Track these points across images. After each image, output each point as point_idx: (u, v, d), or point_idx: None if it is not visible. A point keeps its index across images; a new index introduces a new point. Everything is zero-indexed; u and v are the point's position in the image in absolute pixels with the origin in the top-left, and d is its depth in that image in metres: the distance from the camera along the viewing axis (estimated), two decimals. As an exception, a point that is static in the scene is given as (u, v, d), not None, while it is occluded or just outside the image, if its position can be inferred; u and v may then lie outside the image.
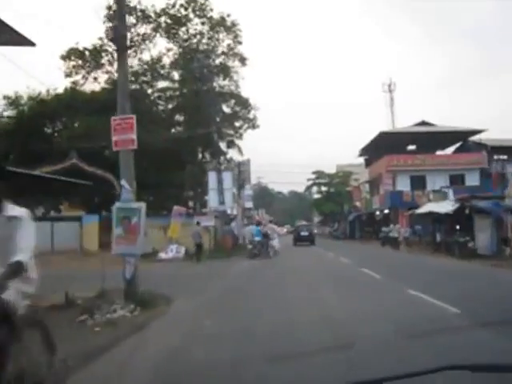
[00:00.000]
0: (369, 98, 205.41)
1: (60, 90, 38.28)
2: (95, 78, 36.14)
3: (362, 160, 67.42)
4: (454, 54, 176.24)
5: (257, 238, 32.87)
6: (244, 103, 38.74)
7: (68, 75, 35.21)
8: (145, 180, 36.52)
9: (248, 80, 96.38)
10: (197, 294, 15.19)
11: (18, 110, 43.44)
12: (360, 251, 37.39)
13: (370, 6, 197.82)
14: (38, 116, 37.77)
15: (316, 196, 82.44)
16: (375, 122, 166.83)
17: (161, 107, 39.31)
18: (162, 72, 36.20)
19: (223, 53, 38.27)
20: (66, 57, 34.90)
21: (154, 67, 35.60)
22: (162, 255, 30.23)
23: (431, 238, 35.91)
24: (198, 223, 32.53)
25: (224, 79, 38.58)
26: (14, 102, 44.33)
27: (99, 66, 35.66)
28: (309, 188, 76.49)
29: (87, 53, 35.27)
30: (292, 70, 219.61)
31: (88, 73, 36.34)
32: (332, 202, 70.13)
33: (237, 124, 40.34)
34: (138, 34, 36.50)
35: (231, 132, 42.11)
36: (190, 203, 41.52)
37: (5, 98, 44.49)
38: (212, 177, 33.29)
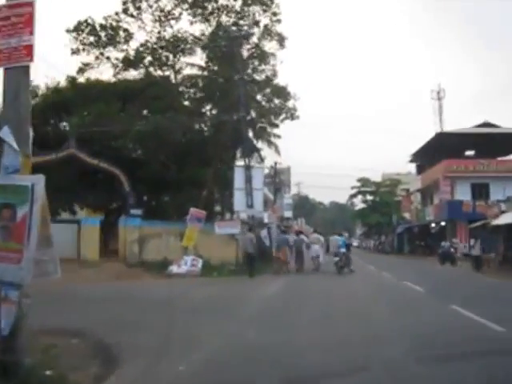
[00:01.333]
0: (413, 107, 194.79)
1: (82, 80, 32.31)
2: (108, 58, 29.97)
3: (410, 168, 62.38)
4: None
5: (342, 250, 27.95)
6: (281, 91, 31.93)
7: (75, 52, 29.14)
8: (163, 176, 30.55)
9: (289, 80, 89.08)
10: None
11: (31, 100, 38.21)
12: (422, 272, 29.56)
13: (418, 13, 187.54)
14: (52, 106, 31.66)
15: (360, 206, 75.26)
16: (422, 131, 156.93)
17: (186, 96, 32.84)
18: (183, 46, 29.76)
19: (259, 38, 31.66)
20: (74, 30, 28.87)
21: (175, 43, 29.27)
22: (174, 268, 23.89)
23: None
24: (250, 229, 27.27)
25: (259, 64, 31.87)
26: (31, 92, 39.00)
27: (114, 43, 29.51)
28: (353, 196, 69.35)
29: (99, 28, 29.15)
30: (335, 76, 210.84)
31: (102, 54, 30.19)
32: (378, 213, 62.82)
33: (273, 117, 33.50)
34: (162, 10, 30.33)
35: (265, 126, 35.46)
36: (218, 208, 34.97)
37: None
38: (239, 174, 26.66)
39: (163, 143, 28.78)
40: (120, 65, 30.07)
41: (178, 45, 29.60)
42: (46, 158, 24.53)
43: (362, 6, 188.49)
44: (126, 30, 30.20)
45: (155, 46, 29.67)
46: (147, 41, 29.70)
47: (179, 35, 29.75)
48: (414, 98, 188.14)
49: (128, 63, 29.69)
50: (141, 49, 29.84)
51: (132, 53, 29.72)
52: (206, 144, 31.33)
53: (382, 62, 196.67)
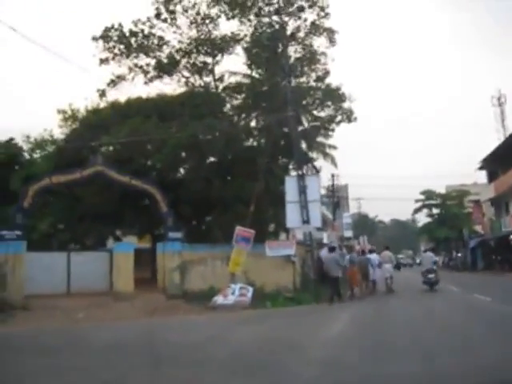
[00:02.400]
0: (472, 117, 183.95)
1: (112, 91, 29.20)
2: (141, 67, 26.51)
3: (477, 178, 59.47)
4: None
5: (434, 267, 25.87)
6: (334, 94, 27.58)
7: (104, 62, 25.79)
8: (205, 193, 26.74)
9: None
10: None
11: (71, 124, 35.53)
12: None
13: (479, 16, 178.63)
14: (91, 128, 28.60)
15: (424, 221, 69.54)
16: (483, 139, 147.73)
17: (229, 105, 28.99)
18: (221, 45, 26.00)
19: (306, 33, 27.57)
20: (101, 38, 25.60)
21: (212, 41, 25.59)
22: (219, 299, 19.93)
23: None
24: (332, 249, 23.70)
25: (308, 64, 27.74)
26: (70, 116, 36.38)
27: (146, 51, 26.07)
28: (417, 210, 63.67)
29: (129, 34, 25.78)
30: (389, 78, 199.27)
31: (136, 65, 26.77)
32: (446, 227, 57.09)
33: (326, 124, 29.13)
34: (198, 13, 26.75)
35: (319, 134, 31.27)
36: (271, 227, 30.71)
37: (59, 112, 36.82)
38: (291, 184, 22.31)
39: (204, 155, 25.00)
40: (152, 72, 26.46)
41: (215, 43, 25.82)
42: (69, 176, 21.06)
43: (419, 8, 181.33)
44: (160, 38, 26.71)
45: (190, 47, 25.99)
46: (180, 41, 26.09)
47: (217, 34, 26.04)
48: (472, 106, 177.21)
49: (161, 69, 26.11)
50: (174, 52, 26.22)
51: (165, 58, 26.13)
52: (253, 155, 27.34)
53: (438, 67, 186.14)
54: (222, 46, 26.06)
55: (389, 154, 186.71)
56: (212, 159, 29.22)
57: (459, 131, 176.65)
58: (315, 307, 20.54)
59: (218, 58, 26.89)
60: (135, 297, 21.39)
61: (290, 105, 23.87)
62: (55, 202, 34.71)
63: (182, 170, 30.88)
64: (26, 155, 37.36)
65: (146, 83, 26.63)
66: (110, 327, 15.91)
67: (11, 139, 36.96)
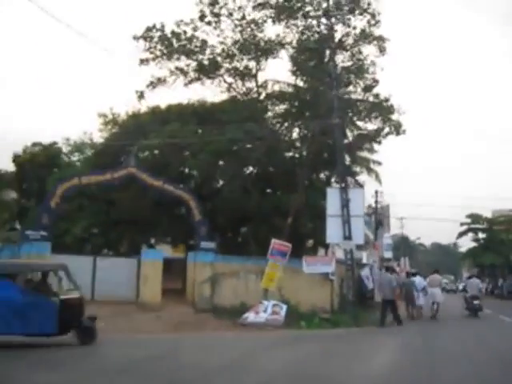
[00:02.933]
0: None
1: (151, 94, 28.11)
2: (181, 70, 25.26)
3: None
4: None
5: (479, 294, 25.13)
6: (382, 106, 25.71)
7: (143, 62, 24.60)
8: (242, 204, 25.29)
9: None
10: None
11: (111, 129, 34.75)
12: None
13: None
14: (130, 133, 27.62)
15: (466, 246, 66.43)
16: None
17: (272, 114, 27.50)
18: (265, 47, 24.52)
19: (355, 40, 25.89)
20: (143, 37, 24.47)
21: (256, 45, 24.16)
22: (250, 316, 18.35)
23: None
24: (387, 269, 23.04)
25: (357, 75, 26.00)
26: (111, 120, 35.65)
27: (188, 53, 24.83)
28: (463, 234, 60.66)
29: (171, 35, 24.60)
30: (440, 97, 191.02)
31: (177, 68, 25.58)
32: (492, 252, 54.12)
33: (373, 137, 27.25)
34: (243, 18, 25.43)
35: (363, 147, 29.55)
36: (309, 242, 28.92)
37: (100, 116, 36.12)
38: (333, 197, 20.49)
39: (243, 163, 23.56)
40: (192, 74, 25.15)
41: (259, 46, 24.37)
42: (99, 177, 19.90)
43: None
44: (203, 41, 25.44)
45: (233, 50, 24.59)
46: (223, 43, 24.65)
47: (261, 36, 24.54)
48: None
49: (202, 71, 24.80)
50: (217, 55, 24.88)
51: (206, 61, 24.78)
52: (294, 167, 25.77)
53: (493, 84, 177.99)
54: (267, 49, 24.55)
55: (433, 174, 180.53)
56: (251, 169, 27.84)
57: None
58: (356, 331, 18.72)
59: (262, 62, 25.34)
60: (162, 308, 20.02)
61: (335, 114, 22.16)
62: (90, 206, 33.93)
63: (219, 180, 29.62)
64: (65, 158, 36.78)
65: (185, 85, 25.29)
66: (128, 340, 14.52)
67: (54, 143, 36.56)
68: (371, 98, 26.66)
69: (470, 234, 60.31)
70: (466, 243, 66.04)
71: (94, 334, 13.37)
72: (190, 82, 25.21)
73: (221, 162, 27.59)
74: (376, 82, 26.27)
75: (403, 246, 76.02)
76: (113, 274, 20.24)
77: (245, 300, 20.99)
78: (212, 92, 27.87)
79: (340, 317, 20.93)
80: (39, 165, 34.10)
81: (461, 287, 71.51)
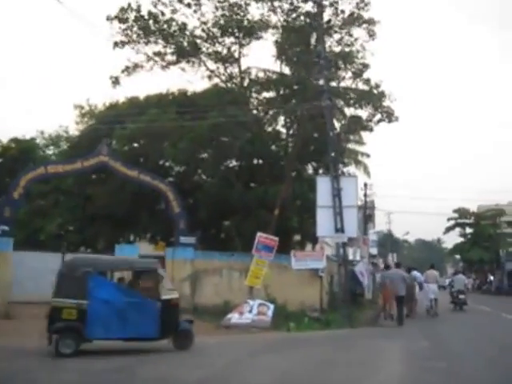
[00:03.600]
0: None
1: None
2: (159, 53, 23.27)
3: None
4: None
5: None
6: (371, 90, 23.96)
7: (117, 45, 22.55)
8: (224, 196, 23.50)
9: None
10: None
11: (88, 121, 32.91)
12: None
13: None
14: (107, 124, 25.67)
15: (453, 241, 65.12)
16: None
17: (255, 102, 25.64)
18: (250, 29, 22.59)
19: (343, 24, 24.09)
20: (117, 18, 22.42)
21: (238, 24, 22.18)
22: (234, 317, 16.42)
23: None
24: (398, 265, 22.25)
25: (345, 60, 24.19)
26: (88, 112, 33.75)
27: (166, 36, 22.83)
28: (450, 229, 59.26)
29: (147, 16, 22.60)
30: (430, 87, 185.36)
31: (155, 53, 23.59)
32: (480, 248, 52.89)
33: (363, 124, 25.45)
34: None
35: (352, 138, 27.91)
36: (296, 237, 27.10)
37: (76, 107, 34.20)
38: (323, 186, 18.53)
39: (225, 152, 21.70)
40: (170, 56, 23.13)
41: (241, 26, 22.42)
42: (67, 166, 17.94)
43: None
44: (183, 25, 23.42)
45: (214, 32, 22.60)
46: (203, 23, 22.61)
47: (244, 17, 22.56)
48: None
49: (180, 53, 22.79)
50: (197, 37, 22.87)
51: (186, 43, 22.76)
52: (279, 157, 23.99)
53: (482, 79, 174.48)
54: (250, 29, 22.61)
55: (419, 165, 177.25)
56: (234, 160, 26.00)
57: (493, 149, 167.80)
58: (351, 333, 16.94)
59: (245, 46, 23.36)
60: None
61: (325, 95, 20.25)
62: (66, 202, 31.94)
63: (200, 174, 27.80)
64: (40, 152, 34.78)
65: (163, 68, 23.23)
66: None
67: (32, 139, 34.62)
68: (361, 85, 24.97)
69: (458, 229, 59.04)
70: (451, 239, 64.87)
71: (192, 339, 12.03)
72: (168, 65, 23.18)
73: (202, 154, 25.82)
74: (366, 66, 24.57)
75: (387, 241, 74.58)
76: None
77: (228, 299, 19.19)
78: (193, 79, 26.09)
79: (331, 316, 19.17)
80: (12, 159, 32.15)
81: (447, 282, 70.46)
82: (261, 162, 25.12)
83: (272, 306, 17.26)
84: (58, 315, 11.02)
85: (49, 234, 29.92)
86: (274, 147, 25.59)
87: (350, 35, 23.47)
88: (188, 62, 23.07)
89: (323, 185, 18.65)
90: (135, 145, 26.98)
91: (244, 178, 24.28)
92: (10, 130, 46.70)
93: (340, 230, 18.25)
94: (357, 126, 22.27)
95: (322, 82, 21.96)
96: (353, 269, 23.56)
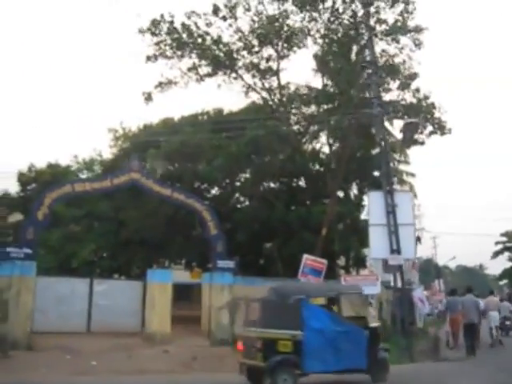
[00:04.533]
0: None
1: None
2: (194, 67, 21.75)
3: None
4: None
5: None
6: (419, 105, 21.92)
7: (150, 59, 21.13)
8: (265, 217, 21.62)
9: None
10: None
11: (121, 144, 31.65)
12: None
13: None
14: (142, 146, 24.33)
15: (495, 269, 61.70)
16: None
17: (295, 118, 23.82)
18: (289, 37, 20.83)
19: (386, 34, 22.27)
20: (149, 30, 21.04)
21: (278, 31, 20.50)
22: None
23: None
24: (469, 290, 18.60)
25: (390, 76, 22.19)
26: (122, 135, 32.54)
27: (200, 49, 21.32)
28: (498, 254, 55.99)
29: (181, 29, 21.18)
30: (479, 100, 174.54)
31: (189, 69, 22.10)
32: (531, 273, 49.70)
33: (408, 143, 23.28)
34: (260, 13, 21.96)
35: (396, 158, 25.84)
36: (341, 260, 24.90)
37: (110, 131, 33.01)
38: (376, 201, 16.34)
39: (264, 170, 19.89)
40: (205, 69, 21.54)
41: (280, 35, 20.71)
42: (95, 184, 16.35)
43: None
44: (218, 38, 21.89)
45: (251, 40, 20.96)
46: (239, 31, 20.95)
47: (283, 24, 20.85)
48: None
49: (216, 65, 21.16)
50: (233, 45, 21.26)
51: (222, 53, 21.18)
52: (321, 175, 22.07)
53: None
54: (289, 37, 20.91)
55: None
56: (273, 184, 24.16)
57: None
58: (418, 368, 14.54)
59: (284, 55, 21.66)
60: (171, 341, 16.19)
61: (375, 105, 18.28)
62: (98, 227, 30.55)
63: (238, 197, 26.06)
64: (73, 176, 33.59)
65: (198, 81, 21.67)
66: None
67: (68, 166, 33.58)
68: (408, 97, 22.98)
69: (506, 254, 55.64)
70: (496, 265, 61.37)
71: (389, 369, 11.13)
72: (203, 77, 21.61)
73: (240, 174, 24.06)
74: (413, 76, 22.63)
75: (433, 267, 71.31)
76: (113, 300, 16.52)
77: (271, 329, 17.19)
78: (229, 96, 24.57)
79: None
80: (45, 184, 30.97)
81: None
82: (301, 181, 23.22)
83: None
84: (272, 348, 9.81)
85: (81, 260, 28.51)
86: (315, 165, 23.64)
87: (397, 41, 21.61)
88: (224, 73, 21.47)
89: (376, 200, 16.54)
90: (170, 167, 25.45)
91: (284, 198, 22.38)
92: (45, 155, 46.65)
93: (396, 250, 16.09)
94: (413, 132, 20.12)
95: (367, 93, 20.25)
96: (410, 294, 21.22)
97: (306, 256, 16.36)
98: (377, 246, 16.36)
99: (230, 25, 22.04)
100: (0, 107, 71.16)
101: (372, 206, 16.74)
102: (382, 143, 17.32)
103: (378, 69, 18.78)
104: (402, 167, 30.95)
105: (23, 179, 33.44)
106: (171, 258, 28.60)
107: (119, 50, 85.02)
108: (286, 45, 21.22)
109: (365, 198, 23.56)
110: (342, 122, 19.92)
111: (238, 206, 26.25)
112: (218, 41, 21.79)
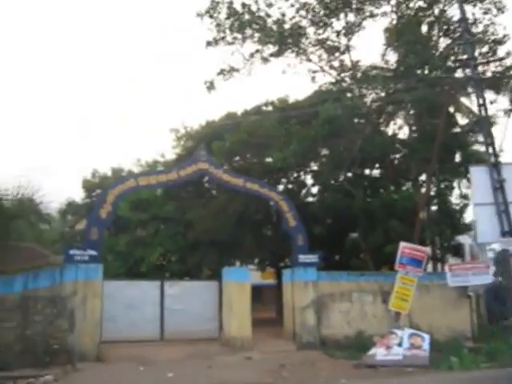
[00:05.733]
0: None
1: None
2: (257, 51, 19.90)
3: None
4: None
5: None
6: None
7: (211, 44, 19.45)
8: (346, 205, 19.53)
9: None
10: None
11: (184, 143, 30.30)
12: None
13: None
14: (203, 142, 22.74)
15: None
16: None
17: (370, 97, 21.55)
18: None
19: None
20: (208, 13, 19.35)
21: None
22: (379, 353, 12.19)
23: None
24: None
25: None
26: (184, 134, 31.22)
27: (262, 31, 19.41)
28: None
29: (241, 10, 19.36)
30: None
31: (252, 54, 20.27)
32: None
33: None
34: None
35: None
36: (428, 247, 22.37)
37: (172, 131, 31.76)
38: (480, 177, 13.84)
39: (343, 153, 17.78)
40: (271, 47, 19.56)
41: (350, 3, 18.45)
42: (161, 177, 14.72)
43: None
44: (280, 19, 19.91)
45: (318, 10, 18.76)
46: (305, 4, 18.86)
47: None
48: None
49: (282, 42, 19.13)
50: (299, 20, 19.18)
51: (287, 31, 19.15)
52: (404, 157, 19.76)
53: None
54: (359, 9, 18.64)
55: None
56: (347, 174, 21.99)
57: None
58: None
59: (355, 28, 19.42)
60: (253, 346, 14.32)
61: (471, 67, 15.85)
62: (165, 230, 29.27)
63: (311, 188, 24.07)
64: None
65: (263, 61, 19.78)
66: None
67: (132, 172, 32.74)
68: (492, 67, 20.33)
69: None
70: None
71: None
72: (269, 57, 19.68)
73: (312, 162, 22.00)
74: (500, 42, 20.00)
75: None
76: (186, 303, 14.80)
77: (362, 329, 15.10)
78: (294, 85, 22.55)
79: (490, 347, 14.41)
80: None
81: None
82: (381, 165, 20.95)
83: (427, 337, 12.88)
84: None
85: (150, 265, 27.32)
86: (396, 147, 21.26)
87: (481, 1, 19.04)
88: (292, 51, 19.44)
89: (479, 177, 14.09)
90: (236, 159, 23.74)
91: (364, 185, 20.15)
92: (109, 160, 46.61)
93: (509, 232, 13.62)
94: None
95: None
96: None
97: (403, 244, 14.14)
98: (484, 228, 13.91)
99: (292, 5, 20.07)
100: (59, 114, 72.01)
101: (476, 183, 14.27)
102: (482, 110, 14.81)
103: (470, 26, 16.34)
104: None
105: (87, 185, 32.76)
106: (242, 258, 26.91)
107: (176, 47, 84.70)
108: (356, 14, 18.98)
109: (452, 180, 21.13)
110: (423, 97, 17.47)
111: (310, 198, 24.36)
112: (281, 20, 19.86)
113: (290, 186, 24.68)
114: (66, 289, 13.12)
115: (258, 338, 14.91)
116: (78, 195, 34.60)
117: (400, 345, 12.58)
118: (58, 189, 41.67)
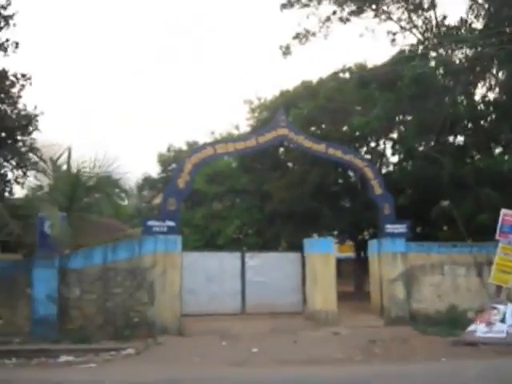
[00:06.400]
0: None
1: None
2: (334, 13, 18.64)
3: None
4: None
5: None
6: None
7: (285, 6, 18.41)
8: (433, 179, 18.06)
9: None
10: None
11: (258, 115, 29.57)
12: None
13: None
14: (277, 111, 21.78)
15: None
16: None
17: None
18: None
19: None
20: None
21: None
22: (480, 329, 11.00)
23: None
24: None
25: None
26: (258, 106, 30.53)
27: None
28: None
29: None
30: None
31: (328, 18, 19.05)
32: None
33: None
34: None
35: None
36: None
37: (246, 102, 31.17)
38: None
39: (430, 118, 16.33)
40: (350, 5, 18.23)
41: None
42: (239, 144, 14.01)
43: None
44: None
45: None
46: None
47: None
48: None
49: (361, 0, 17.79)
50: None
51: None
52: (495, 119, 18.06)
53: None
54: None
55: None
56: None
57: None
58: None
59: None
60: (339, 321, 13.49)
61: None
62: (242, 203, 28.80)
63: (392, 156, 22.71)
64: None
65: (341, 21, 18.57)
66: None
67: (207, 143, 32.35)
68: None
69: None
70: None
71: None
72: (349, 16, 18.43)
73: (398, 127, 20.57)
74: None
75: None
76: (268, 276, 14.12)
77: (454, 303, 13.94)
78: (371, 51, 21.13)
79: None
80: (185, 162, 29.94)
81: None
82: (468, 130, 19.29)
83: (536, 314, 11.55)
84: None
85: (227, 238, 26.99)
86: (486, 110, 19.49)
87: None
88: (372, 9, 18.07)
89: None
90: (313, 128, 22.67)
91: (452, 151, 18.58)
92: (184, 134, 45.80)
93: None
94: None
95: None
96: None
97: (504, 211, 12.75)
98: None
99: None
100: (136, 91, 72.87)
101: None
102: None
103: None
104: None
105: (162, 159, 32.78)
106: (320, 230, 25.99)
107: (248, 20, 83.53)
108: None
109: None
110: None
111: (390, 168, 23.07)
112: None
113: (367, 157, 23.46)
114: (145, 261, 12.75)
115: (343, 313, 14.06)
116: (154, 170, 34.79)
117: (503, 321, 11.34)
118: (134, 164, 42.28)
